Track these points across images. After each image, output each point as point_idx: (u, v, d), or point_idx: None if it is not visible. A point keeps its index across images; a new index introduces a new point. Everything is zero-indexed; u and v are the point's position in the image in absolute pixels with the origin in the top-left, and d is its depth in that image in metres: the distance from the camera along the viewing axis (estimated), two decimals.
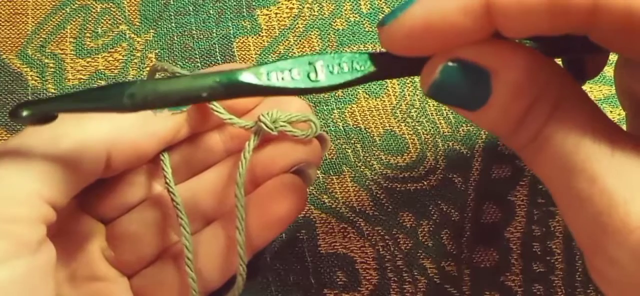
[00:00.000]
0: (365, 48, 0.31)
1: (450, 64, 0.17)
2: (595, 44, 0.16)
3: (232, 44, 0.31)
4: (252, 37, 0.31)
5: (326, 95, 0.30)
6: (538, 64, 0.17)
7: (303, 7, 0.31)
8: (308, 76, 0.19)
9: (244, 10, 0.31)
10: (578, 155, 0.16)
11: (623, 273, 0.16)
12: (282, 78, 0.19)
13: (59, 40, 0.30)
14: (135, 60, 0.30)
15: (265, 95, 0.20)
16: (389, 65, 0.19)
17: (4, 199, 0.18)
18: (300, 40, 0.31)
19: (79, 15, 0.30)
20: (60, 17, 0.30)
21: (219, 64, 0.30)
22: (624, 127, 0.22)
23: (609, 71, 0.32)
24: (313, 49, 0.31)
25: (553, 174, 0.17)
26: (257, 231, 0.24)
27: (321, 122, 0.30)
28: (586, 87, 0.31)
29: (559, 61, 0.20)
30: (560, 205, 0.17)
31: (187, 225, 0.23)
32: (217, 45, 0.31)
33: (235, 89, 0.19)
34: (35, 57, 0.30)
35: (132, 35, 0.30)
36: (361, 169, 0.29)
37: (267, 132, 0.23)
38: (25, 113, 0.18)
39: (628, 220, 0.15)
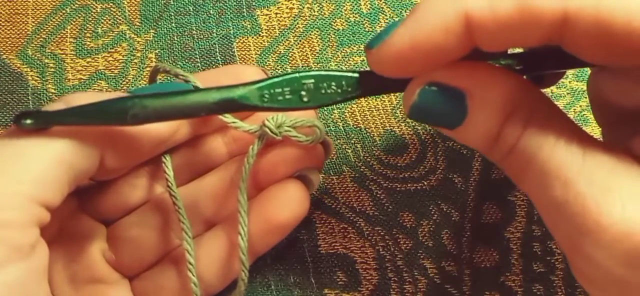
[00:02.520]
0: None
1: (427, 87, 0.18)
2: (568, 57, 0.17)
3: (232, 44, 0.31)
4: (252, 37, 0.31)
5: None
6: (510, 81, 0.18)
7: (303, 7, 0.31)
8: (299, 94, 0.20)
9: (244, 10, 0.31)
10: (552, 163, 0.17)
11: (601, 271, 0.16)
12: (275, 97, 0.20)
13: (59, 40, 0.30)
14: (135, 60, 0.30)
15: (259, 111, 0.21)
16: (376, 84, 0.20)
17: None
18: (300, 41, 0.31)
19: (79, 16, 0.30)
20: (61, 17, 0.30)
21: (219, 64, 0.30)
22: None
23: None
24: (313, 49, 0.31)
25: (531, 183, 0.18)
26: (259, 237, 0.24)
27: (321, 121, 0.29)
28: (584, 87, 0.31)
29: None
30: (540, 212, 0.18)
31: (189, 229, 0.23)
32: (217, 45, 0.31)
33: (231, 106, 0.20)
34: (36, 57, 0.30)
35: (132, 35, 0.30)
36: (361, 169, 0.29)
37: (271, 136, 0.23)
38: (28, 121, 0.19)
39: (601, 220, 0.16)
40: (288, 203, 0.23)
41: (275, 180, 0.24)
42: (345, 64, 0.31)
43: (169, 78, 0.26)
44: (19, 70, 0.30)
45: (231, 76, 0.24)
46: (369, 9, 0.32)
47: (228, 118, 0.24)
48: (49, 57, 0.30)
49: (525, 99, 0.18)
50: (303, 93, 0.20)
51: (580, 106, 0.31)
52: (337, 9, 0.31)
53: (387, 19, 0.31)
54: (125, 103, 0.19)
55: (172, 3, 0.31)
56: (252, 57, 0.31)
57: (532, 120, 0.17)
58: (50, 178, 0.19)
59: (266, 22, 0.31)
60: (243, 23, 0.31)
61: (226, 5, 0.31)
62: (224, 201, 0.25)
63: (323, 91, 0.20)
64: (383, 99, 0.30)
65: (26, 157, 0.19)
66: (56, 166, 0.19)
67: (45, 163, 0.19)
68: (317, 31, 0.31)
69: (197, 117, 0.20)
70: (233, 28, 0.31)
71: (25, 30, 0.30)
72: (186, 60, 0.30)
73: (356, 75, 0.20)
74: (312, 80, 0.20)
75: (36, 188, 0.18)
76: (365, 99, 0.30)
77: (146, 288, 0.24)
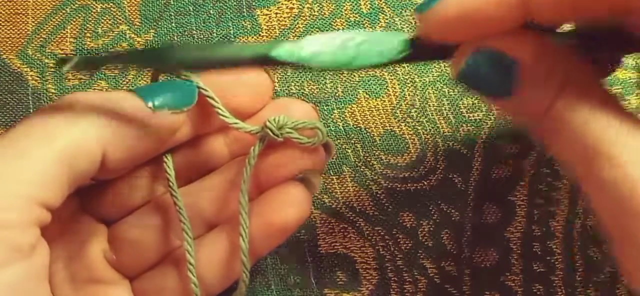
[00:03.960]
0: None
1: (478, 53, 0.17)
2: (629, 36, 0.16)
3: None
4: (253, 37, 0.31)
5: (326, 95, 0.30)
6: (561, 52, 0.17)
7: (303, 7, 0.31)
8: (344, 53, 0.19)
9: (244, 10, 0.31)
10: (596, 139, 0.16)
11: None
12: (319, 55, 0.19)
13: (59, 40, 0.30)
14: None
15: (295, 69, 0.20)
16: (424, 49, 0.20)
17: None
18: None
19: (79, 15, 0.30)
20: (61, 17, 0.30)
21: None
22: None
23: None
24: None
25: (575, 160, 0.17)
26: (260, 239, 0.23)
27: (321, 121, 0.30)
28: None
29: None
30: (586, 192, 0.17)
31: (189, 229, 0.23)
32: None
33: (265, 62, 0.20)
34: (36, 57, 0.30)
35: (133, 35, 0.30)
36: (361, 169, 0.29)
37: (272, 138, 0.23)
38: (74, 63, 0.20)
39: None
40: (289, 206, 0.23)
41: (277, 182, 0.24)
42: None
43: (171, 77, 0.25)
44: (19, 70, 0.30)
45: (233, 76, 0.24)
46: (369, 9, 0.32)
47: (229, 118, 0.24)
48: (49, 57, 0.30)
49: (573, 71, 0.17)
50: (349, 51, 0.19)
51: None
52: (337, 8, 0.31)
53: (387, 18, 0.31)
54: (172, 51, 0.20)
55: (172, 3, 0.31)
56: None
57: (577, 90, 0.17)
58: (51, 178, 0.19)
59: (266, 22, 0.31)
60: (243, 23, 0.31)
61: (226, 5, 0.31)
62: (225, 202, 0.24)
63: (365, 54, 0.20)
64: (383, 99, 0.30)
65: (27, 157, 0.19)
66: (57, 166, 0.19)
67: (46, 164, 0.19)
68: (317, 31, 0.31)
69: (238, 69, 0.20)
70: (233, 28, 0.31)
71: (26, 30, 0.30)
72: None
73: (403, 38, 0.20)
74: (356, 41, 0.19)
75: (36, 188, 0.18)
76: (365, 99, 0.30)
77: (146, 288, 0.24)
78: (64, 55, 0.19)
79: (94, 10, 0.31)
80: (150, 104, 0.22)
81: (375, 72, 0.30)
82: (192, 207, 0.24)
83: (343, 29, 0.31)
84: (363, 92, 0.30)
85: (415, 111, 0.30)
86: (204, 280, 0.24)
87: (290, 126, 0.23)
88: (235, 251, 0.23)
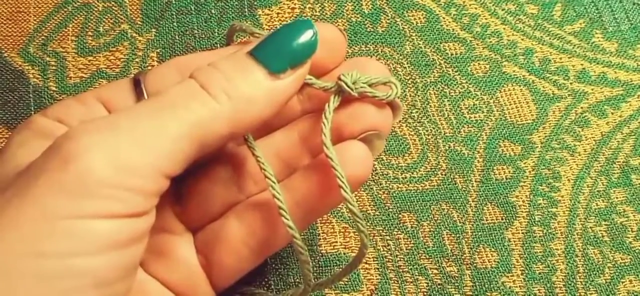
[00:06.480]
0: (367, 49, 0.31)
1: None
2: None
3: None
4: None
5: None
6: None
7: (304, 7, 0.31)
8: None
9: (246, 10, 0.31)
10: None
11: None
12: None
13: (61, 39, 0.30)
14: (136, 60, 0.30)
15: None
16: None
17: (128, 169, 0.18)
18: None
19: (81, 14, 0.31)
20: (62, 16, 0.30)
21: None
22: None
23: (609, 72, 0.32)
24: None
25: None
26: (319, 197, 0.23)
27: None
28: (587, 88, 0.31)
29: None
30: None
31: (272, 174, 0.23)
32: (218, 45, 0.31)
33: None
34: (37, 55, 0.30)
35: (134, 34, 0.30)
36: None
37: (347, 92, 0.23)
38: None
39: None
40: (351, 163, 0.23)
41: (342, 140, 0.24)
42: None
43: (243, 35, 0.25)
44: (20, 68, 0.30)
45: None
46: (370, 9, 0.32)
47: None
48: (51, 55, 0.30)
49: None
50: None
51: (582, 108, 0.31)
52: (339, 9, 0.31)
53: (388, 19, 0.31)
54: None
55: (173, 2, 0.31)
56: None
57: None
58: (182, 155, 0.19)
59: (268, 22, 0.31)
60: (245, 23, 0.31)
61: (228, 5, 0.31)
62: (293, 158, 0.24)
63: None
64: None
65: (166, 132, 0.19)
66: (187, 143, 0.19)
67: (180, 141, 0.19)
68: None
69: None
70: None
71: (27, 28, 0.30)
72: None
73: None
74: None
75: (167, 162, 0.19)
76: None
77: (208, 240, 0.24)
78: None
79: (96, 9, 0.31)
80: (274, 70, 0.21)
81: None
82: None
83: (344, 29, 0.31)
84: None
85: (417, 112, 0.30)
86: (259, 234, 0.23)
87: (364, 81, 0.23)
88: (293, 208, 0.23)
